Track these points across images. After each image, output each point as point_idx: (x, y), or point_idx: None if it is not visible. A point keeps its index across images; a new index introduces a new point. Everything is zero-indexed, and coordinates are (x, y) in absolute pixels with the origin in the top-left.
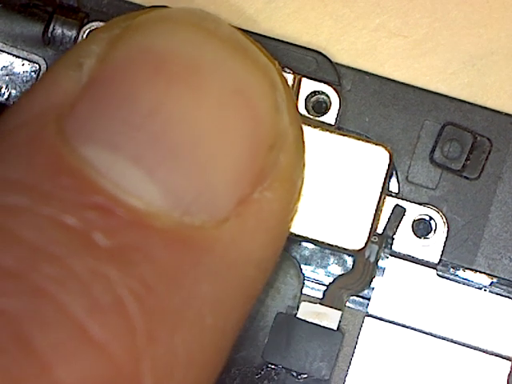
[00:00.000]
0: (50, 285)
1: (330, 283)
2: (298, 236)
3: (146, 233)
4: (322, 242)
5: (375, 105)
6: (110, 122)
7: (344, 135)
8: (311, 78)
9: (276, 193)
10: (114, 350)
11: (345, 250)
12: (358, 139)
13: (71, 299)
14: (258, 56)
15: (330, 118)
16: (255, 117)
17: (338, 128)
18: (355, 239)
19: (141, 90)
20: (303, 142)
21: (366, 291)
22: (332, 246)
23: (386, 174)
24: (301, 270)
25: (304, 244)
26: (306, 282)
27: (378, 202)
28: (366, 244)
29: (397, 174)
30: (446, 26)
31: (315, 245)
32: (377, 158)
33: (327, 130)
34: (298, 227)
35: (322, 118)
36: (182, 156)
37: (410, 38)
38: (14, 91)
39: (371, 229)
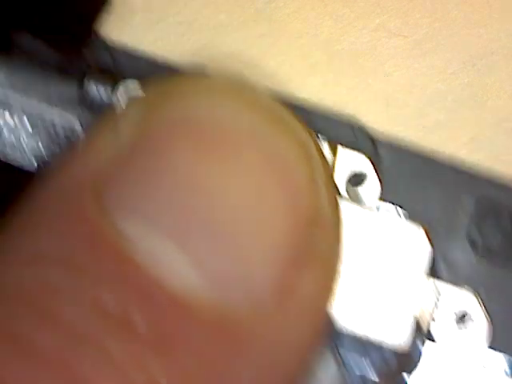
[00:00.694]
0: (88, 369)
1: (373, 379)
2: (340, 330)
3: (186, 321)
4: (365, 336)
5: (411, 179)
6: (148, 195)
7: (380, 211)
8: (349, 149)
9: (315, 276)
10: None
11: (388, 345)
12: (397, 217)
13: None
14: (296, 128)
15: (365, 191)
16: (293, 191)
17: (374, 204)
18: (399, 332)
19: (179, 160)
20: (340, 217)
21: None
22: (375, 340)
23: (425, 255)
24: (343, 364)
25: (345, 334)
26: (346, 369)
27: (416, 284)
28: (410, 337)
29: (433, 252)
30: (446, 26)
31: (355, 336)
32: (416, 238)
33: (364, 207)
34: (339, 320)
35: (358, 192)
36: (221, 236)
37: (410, 38)
38: (48, 153)
39: (415, 321)
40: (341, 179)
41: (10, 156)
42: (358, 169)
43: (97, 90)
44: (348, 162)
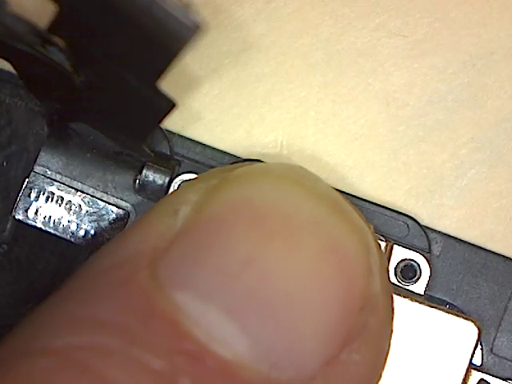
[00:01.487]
0: None
1: None
2: None
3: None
4: None
5: (463, 272)
6: (204, 269)
7: (433, 307)
8: (403, 246)
9: (363, 356)
10: None
11: None
12: (448, 312)
13: None
14: (354, 217)
15: (419, 286)
16: (348, 277)
17: (426, 297)
18: None
19: (237, 240)
20: (393, 307)
21: None
22: None
23: (474, 349)
24: None
25: None
26: None
27: (464, 377)
28: None
29: (481, 344)
30: (446, 26)
31: None
32: (465, 332)
33: (416, 301)
34: None
35: (411, 287)
36: (275, 312)
37: (410, 38)
38: (101, 237)
39: None
40: (394, 274)
41: (59, 229)
42: (412, 265)
43: (154, 179)
44: (402, 257)
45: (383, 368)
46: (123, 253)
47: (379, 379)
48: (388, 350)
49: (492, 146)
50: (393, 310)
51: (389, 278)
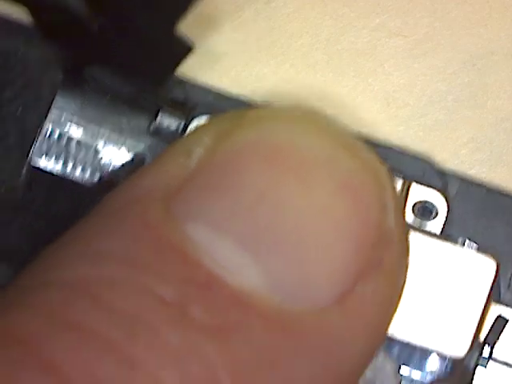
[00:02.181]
0: (146, 356)
1: None
2: (399, 339)
3: (246, 314)
4: (423, 347)
5: (479, 213)
6: (216, 204)
7: (451, 243)
8: (420, 184)
9: (378, 289)
10: None
11: (445, 357)
12: (465, 248)
13: (167, 372)
14: (369, 155)
15: (436, 226)
16: (362, 213)
17: (443, 235)
18: (457, 346)
19: (251, 177)
20: (408, 242)
21: None
22: (432, 351)
23: (492, 284)
24: (398, 369)
25: (403, 345)
26: (402, 382)
27: (483, 312)
28: (467, 352)
29: (499, 281)
30: (446, 26)
31: (415, 348)
32: (484, 267)
33: (434, 237)
34: (399, 330)
35: (428, 225)
36: (288, 243)
37: (410, 38)
38: (116, 181)
39: (474, 337)
40: (411, 212)
41: (75, 174)
42: (429, 203)
43: (169, 123)
44: (419, 196)
45: (398, 302)
46: (136, 191)
47: (394, 313)
48: (403, 284)
49: (492, 146)
50: (408, 245)
51: (404, 216)
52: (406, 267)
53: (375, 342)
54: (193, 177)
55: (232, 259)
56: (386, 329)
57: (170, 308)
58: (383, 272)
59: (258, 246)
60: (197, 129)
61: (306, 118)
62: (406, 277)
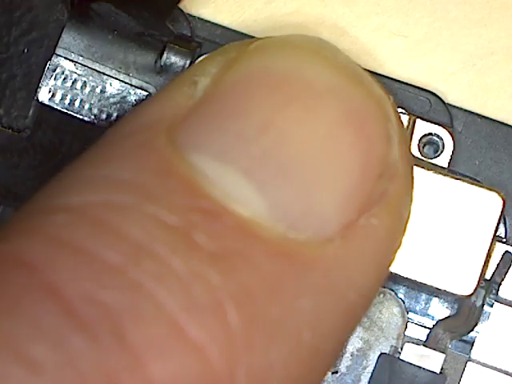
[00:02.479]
0: (150, 281)
1: (434, 325)
2: (406, 278)
3: (250, 241)
4: (429, 285)
5: (486, 148)
6: (221, 133)
7: (457, 179)
8: (425, 120)
9: (382, 221)
10: (210, 352)
11: (452, 295)
12: (471, 183)
13: (170, 297)
14: (374, 86)
15: (442, 160)
16: (367, 144)
17: (449, 171)
18: (463, 285)
19: (256, 105)
20: (412, 176)
21: (469, 336)
22: (439, 289)
23: (499, 220)
24: (406, 310)
25: (410, 285)
26: (409, 323)
27: (489, 249)
28: (474, 290)
29: (505, 219)
30: (446, 26)
31: (422, 287)
32: (490, 203)
33: (440, 173)
34: (405, 268)
35: (434, 160)
36: (293, 172)
37: (410, 38)
38: (122, 115)
39: (480, 275)
40: (417, 147)
41: (82, 112)
42: (434, 139)
43: (175, 60)
44: (425, 131)
45: (403, 235)
46: (141, 121)
47: (399, 246)
48: (408, 218)
49: None
50: (413, 179)
51: (410, 150)
52: (411, 201)
53: (379, 275)
54: (198, 106)
55: (236, 188)
56: (390, 263)
57: (174, 235)
58: (388, 204)
59: (262, 175)
60: (203, 59)
61: (312, 46)
62: (410, 211)
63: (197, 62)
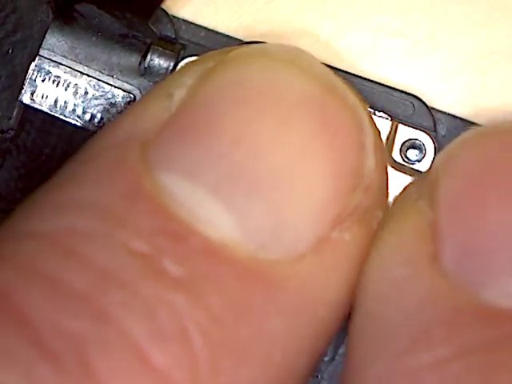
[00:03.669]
0: (116, 309)
1: None
2: None
3: (217, 263)
4: None
5: None
6: (193, 150)
7: None
8: (408, 125)
9: (354, 235)
10: (175, 378)
11: None
12: None
13: (135, 325)
14: (348, 95)
15: (424, 165)
16: (340, 155)
17: None
18: None
19: (226, 121)
20: (387, 186)
21: None
22: None
23: None
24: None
25: None
26: None
27: None
28: None
29: None
30: (446, 26)
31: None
32: None
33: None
34: None
35: (416, 166)
36: (263, 189)
37: (410, 38)
38: (107, 120)
39: None
40: (399, 154)
41: (65, 113)
42: (417, 144)
43: (159, 62)
44: (407, 136)
45: (371, 246)
46: (115, 137)
47: (366, 256)
48: (377, 228)
49: None
50: (387, 190)
51: (386, 156)
52: (384, 211)
53: (349, 288)
54: (172, 121)
55: (204, 208)
56: (358, 275)
57: (141, 260)
58: (359, 218)
59: (232, 192)
60: (181, 68)
61: (288, 57)
62: (380, 219)
63: (180, 65)
